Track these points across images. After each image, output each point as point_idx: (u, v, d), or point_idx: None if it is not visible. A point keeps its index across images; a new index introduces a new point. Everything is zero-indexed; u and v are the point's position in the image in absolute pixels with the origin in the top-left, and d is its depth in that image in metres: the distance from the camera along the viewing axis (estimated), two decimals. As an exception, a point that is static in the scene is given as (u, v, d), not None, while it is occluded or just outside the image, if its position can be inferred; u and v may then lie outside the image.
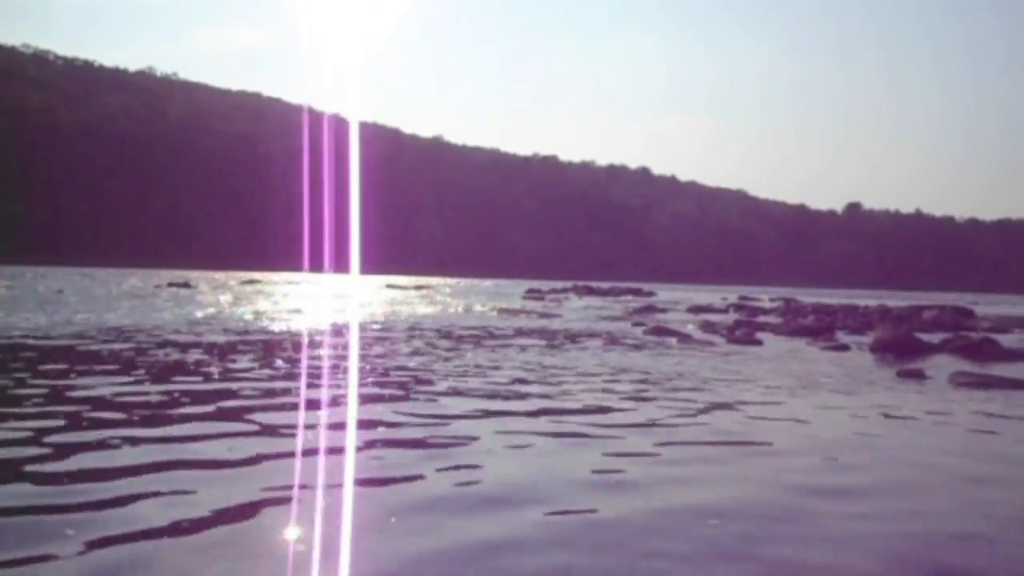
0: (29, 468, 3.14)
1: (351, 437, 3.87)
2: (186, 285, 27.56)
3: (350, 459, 3.47)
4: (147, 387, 5.28)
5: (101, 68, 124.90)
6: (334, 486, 2.99)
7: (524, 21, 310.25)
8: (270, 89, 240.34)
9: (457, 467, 3.38)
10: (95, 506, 2.71)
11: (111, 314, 12.44)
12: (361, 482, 3.07)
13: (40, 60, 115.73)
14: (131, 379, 5.60)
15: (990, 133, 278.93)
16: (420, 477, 3.23)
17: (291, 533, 2.52)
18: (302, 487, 2.96)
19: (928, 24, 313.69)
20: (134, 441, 3.66)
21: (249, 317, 12.85)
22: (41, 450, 3.44)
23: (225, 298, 19.85)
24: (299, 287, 30.75)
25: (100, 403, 4.60)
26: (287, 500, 2.84)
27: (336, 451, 3.56)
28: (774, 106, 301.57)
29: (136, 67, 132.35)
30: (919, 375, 7.23)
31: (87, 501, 2.76)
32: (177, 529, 2.52)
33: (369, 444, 3.76)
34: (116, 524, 2.53)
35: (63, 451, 3.42)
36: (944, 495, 3.29)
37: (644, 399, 5.50)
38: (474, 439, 3.97)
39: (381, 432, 4.06)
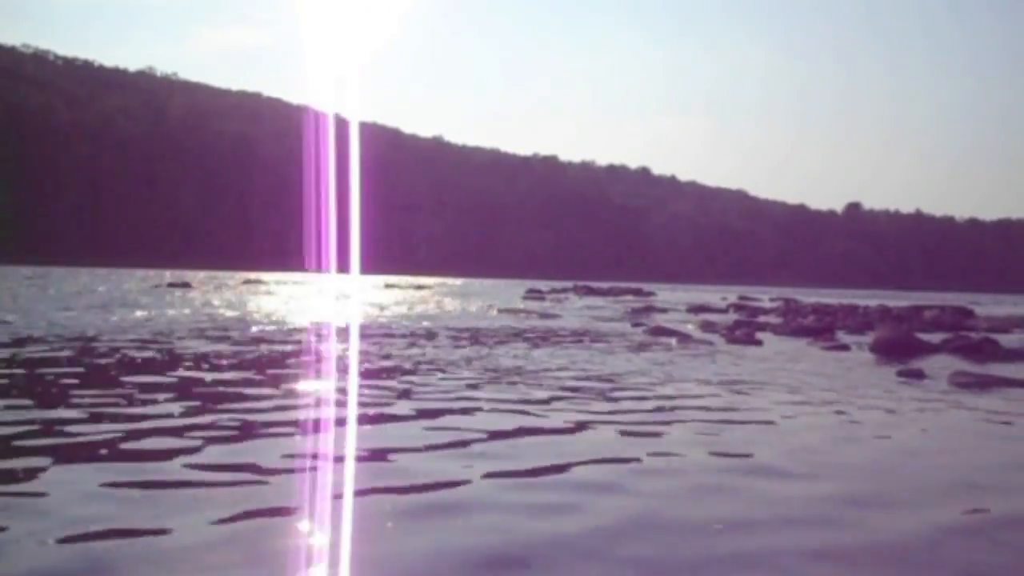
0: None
1: (351, 464, 3.83)
2: (186, 285, 27.54)
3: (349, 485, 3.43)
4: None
5: (101, 68, 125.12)
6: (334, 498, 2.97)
7: (524, 21, 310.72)
8: (270, 89, 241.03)
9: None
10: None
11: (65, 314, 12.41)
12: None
13: (40, 60, 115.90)
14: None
15: (990, 133, 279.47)
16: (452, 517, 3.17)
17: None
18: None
19: (928, 24, 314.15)
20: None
21: (247, 318, 12.83)
22: None
23: (224, 298, 19.84)
24: (299, 287, 30.75)
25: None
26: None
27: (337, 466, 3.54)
28: (774, 106, 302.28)
29: (136, 67, 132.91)
30: (919, 375, 7.23)
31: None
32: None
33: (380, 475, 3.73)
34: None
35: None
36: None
37: (660, 410, 5.37)
38: (511, 451, 3.96)
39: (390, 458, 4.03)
